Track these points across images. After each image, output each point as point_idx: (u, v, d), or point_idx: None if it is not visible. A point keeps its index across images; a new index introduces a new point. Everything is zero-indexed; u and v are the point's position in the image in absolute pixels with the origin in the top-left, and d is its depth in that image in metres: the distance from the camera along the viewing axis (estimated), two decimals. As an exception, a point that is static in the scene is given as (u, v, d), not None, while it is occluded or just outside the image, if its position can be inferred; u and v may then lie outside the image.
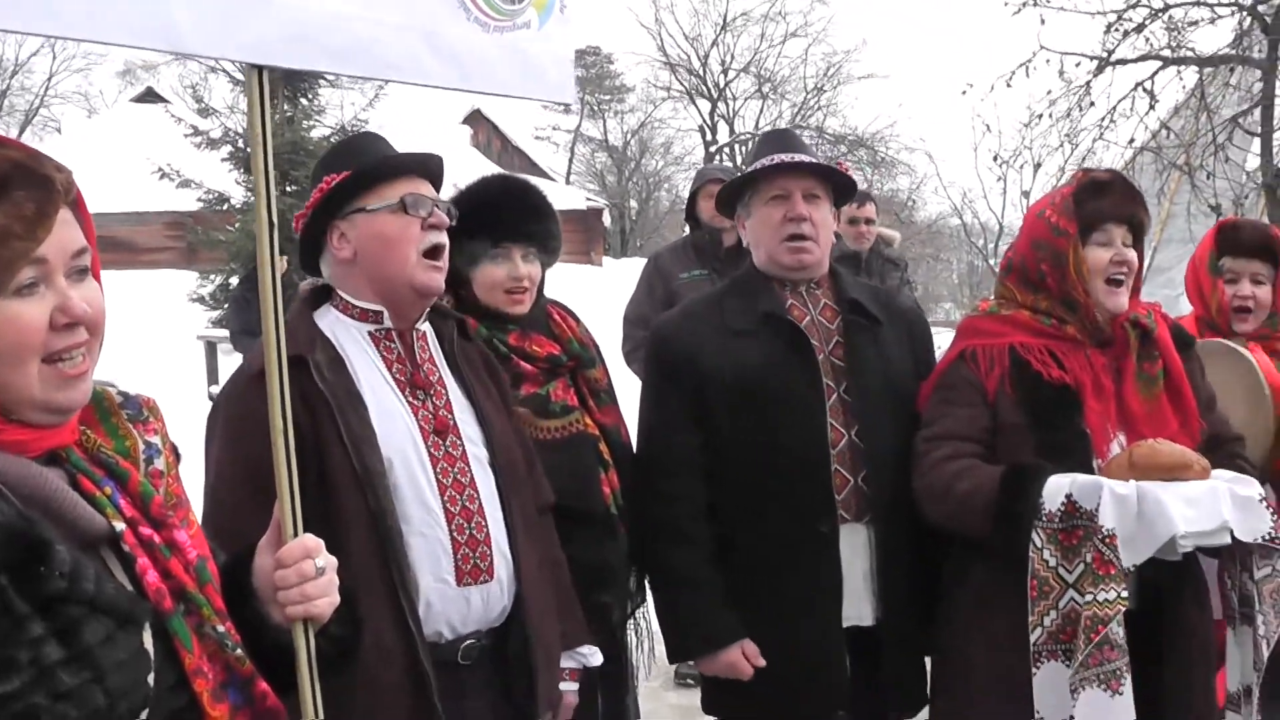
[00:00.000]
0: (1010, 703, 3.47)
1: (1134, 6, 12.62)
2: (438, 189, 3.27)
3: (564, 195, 36.60)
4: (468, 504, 3.07)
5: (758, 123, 43.45)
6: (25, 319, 1.82)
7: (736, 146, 41.16)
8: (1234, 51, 12.79)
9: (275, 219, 2.26)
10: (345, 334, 3.13)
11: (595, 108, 51.98)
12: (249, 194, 20.13)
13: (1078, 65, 12.86)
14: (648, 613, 4.15)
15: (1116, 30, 12.67)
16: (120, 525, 1.92)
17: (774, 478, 3.75)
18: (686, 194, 8.18)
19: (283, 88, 19.59)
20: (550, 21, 2.72)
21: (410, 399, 3.11)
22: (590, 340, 4.00)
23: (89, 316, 1.89)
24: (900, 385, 3.88)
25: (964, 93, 13.70)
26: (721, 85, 44.97)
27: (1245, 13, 12.48)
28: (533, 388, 3.76)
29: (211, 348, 17.12)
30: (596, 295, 15.58)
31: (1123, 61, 12.84)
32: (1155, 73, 12.82)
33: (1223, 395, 3.96)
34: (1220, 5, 12.59)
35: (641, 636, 4.23)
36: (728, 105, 45.44)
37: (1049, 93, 13.10)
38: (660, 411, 3.91)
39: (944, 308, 31.95)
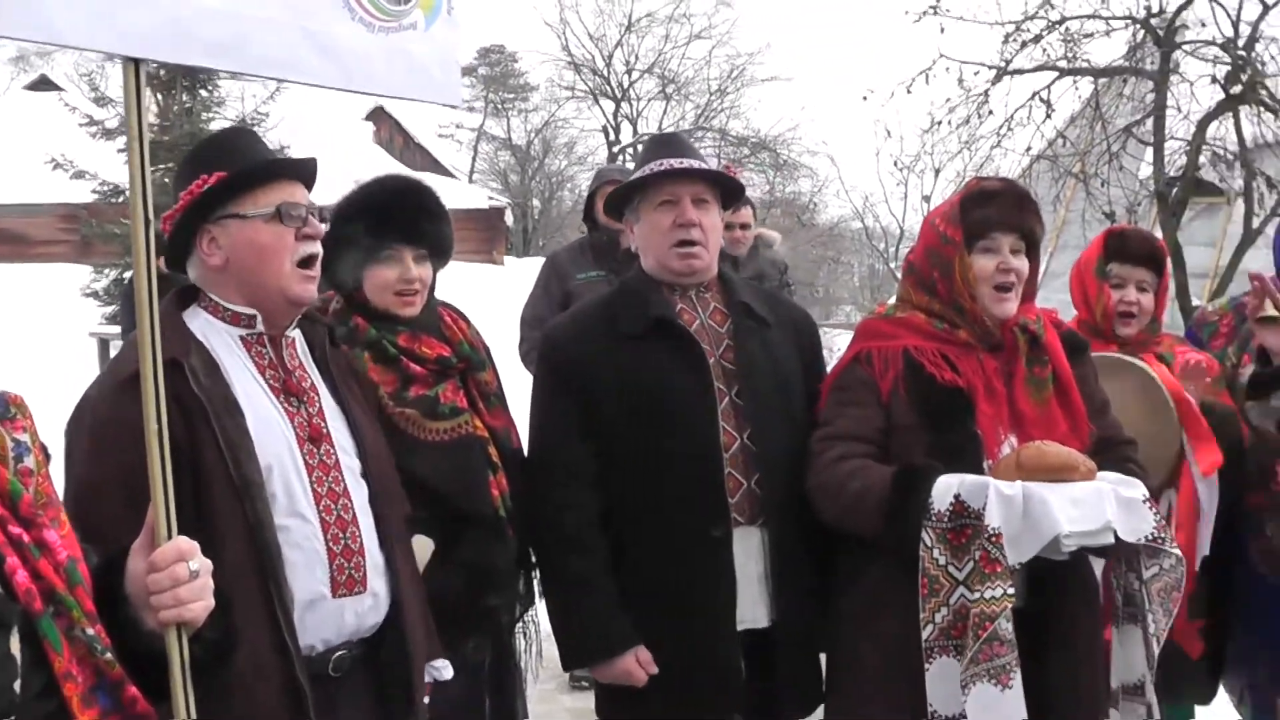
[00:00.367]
0: (903, 699, 3.51)
1: (1031, 18, 12.77)
2: (310, 190, 3.17)
3: (466, 194, 36.45)
4: (342, 514, 3.00)
5: (661, 124, 43.55)
6: None
7: (639, 147, 40.97)
8: (1128, 63, 13.00)
9: (152, 215, 2.21)
10: (217, 338, 3.02)
11: (499, 106, 51.80)
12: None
13: (976, 74, 12.99)
14: (537, 615, 4.14)
15: (1014, 41, 12.82)
16: None
17: (666, 483, 3.75)
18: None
19: (181, 79, 19.29)
20: (437, 23, 2.69)
21: (285, 406, 3.02)
22: (481, 342, 3.97)
23: None
24: (791, 387, 3.89)
25: (865, 98, 13.81)
26: (625, 86, 45.08)
27: (1139, 26, 12.68)
28: (422, 389, 3.73)
29: (104, 345, 16.78)
30: (498, 295, 15.57)
31: (1020, 71, 13.00)
32: (1052, 83, 13.00)
33: (1123, 409, 4.02)
34: (1115, 19, 12.78)
35: (530, 639, 4.20)
36: (631, 106, 45.56)
37: (948, 100, 13.24)
38: (551, 419, 3.89)
39: (845, 310, 32.19)
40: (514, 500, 3.84)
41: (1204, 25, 12.49)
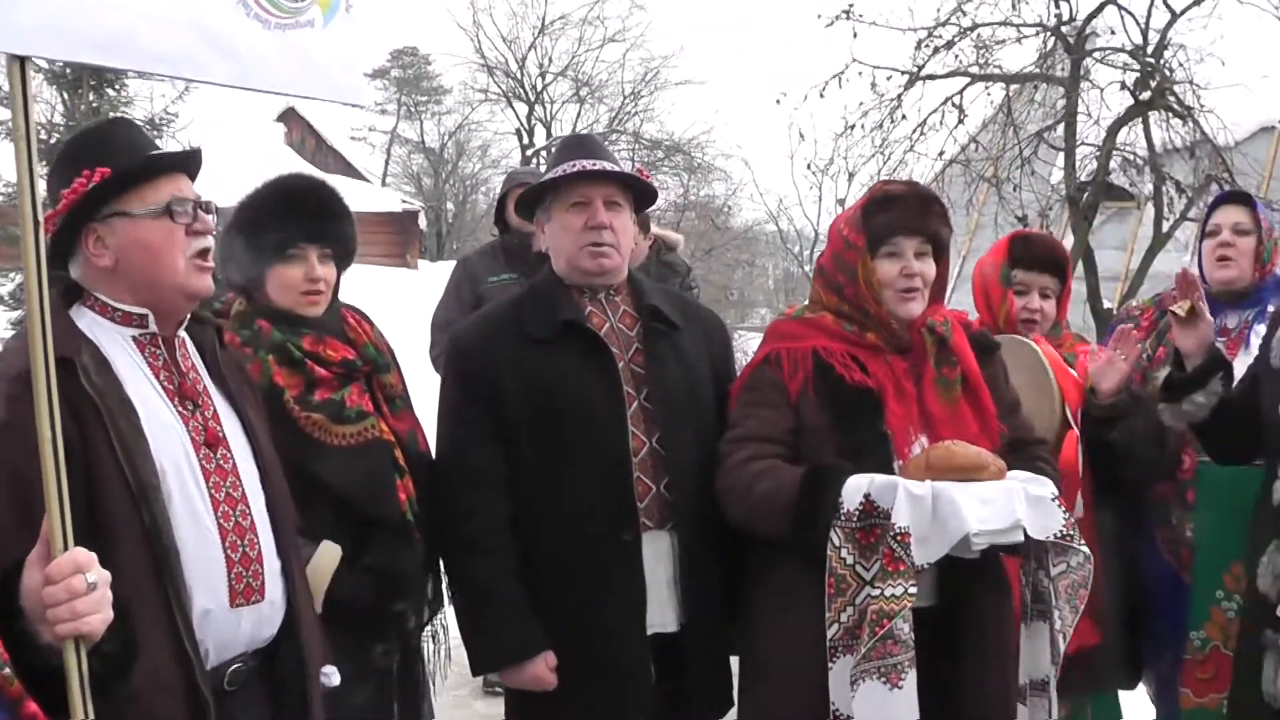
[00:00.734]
0: (809, 699, 3.51)
1: (943, 24, 12.88)
2: (194, 180, 3.02)
3: (380, 197, 36.29)
4: (240, 520, 2.88)
5: (575, 126, 43.38)
6: None
7: (553, 150, 40.73)
8: (1039, 70, 13.16)
9: (41, 217, 2.16)
10: (107, 337, 2.86)
11: (412, 109, 51.51)
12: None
13: (889, 79, 13.08)
14: (445, 620, 4.10)
15: (927, 47, 12.93)
16: None
17: (575, 487, 3.73)
18: (500, 198, 8.07)
19: (88, 78, 18.99)
20: (335, 20, 2.63)
21: (180, 409, 2.89)
22: (385, 345, 3.92)
23: None
24: (701, 391, 3.89)
25: (779, 102, 13.85)
26: (539, 88, 44.92)
27: (1049, 33, 12.84)
28: (327, 393, 3.68)
29: (10, 349, 16.50)
30: (412, 298, 15.47)
31: (933, 77, 13.10)
32: (964, 88, 13.12)
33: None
34: (1026, 26, 12.94)
35: (438, 644, 4.17)
36: (545, 109, 45.37)
37: (862, 104, 13.30)
38: (459, 423, 3.85)
39: (760, 314, 32.29)
40: (422, 504, 3.80)
41: (1114, 33, 12.73)
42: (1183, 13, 12.13)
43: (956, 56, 13.07)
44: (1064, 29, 12.71)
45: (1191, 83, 12.21)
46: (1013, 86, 13.37)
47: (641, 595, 3.75)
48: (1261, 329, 4.39)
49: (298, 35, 2.55)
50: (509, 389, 3.78)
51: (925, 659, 3.40)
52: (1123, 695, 4.84)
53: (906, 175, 12.72)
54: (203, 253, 2.92)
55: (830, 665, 3.45)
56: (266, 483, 3.01)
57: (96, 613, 2.13)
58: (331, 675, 3.32)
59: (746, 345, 12.37)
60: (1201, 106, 12.24)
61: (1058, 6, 12.62)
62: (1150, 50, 12.28)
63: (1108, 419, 4.35)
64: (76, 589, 2.10)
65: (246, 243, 3.66)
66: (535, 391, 3.76)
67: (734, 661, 3.95)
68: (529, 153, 41.49)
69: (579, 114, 44.10)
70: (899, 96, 13.10)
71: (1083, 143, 12.78)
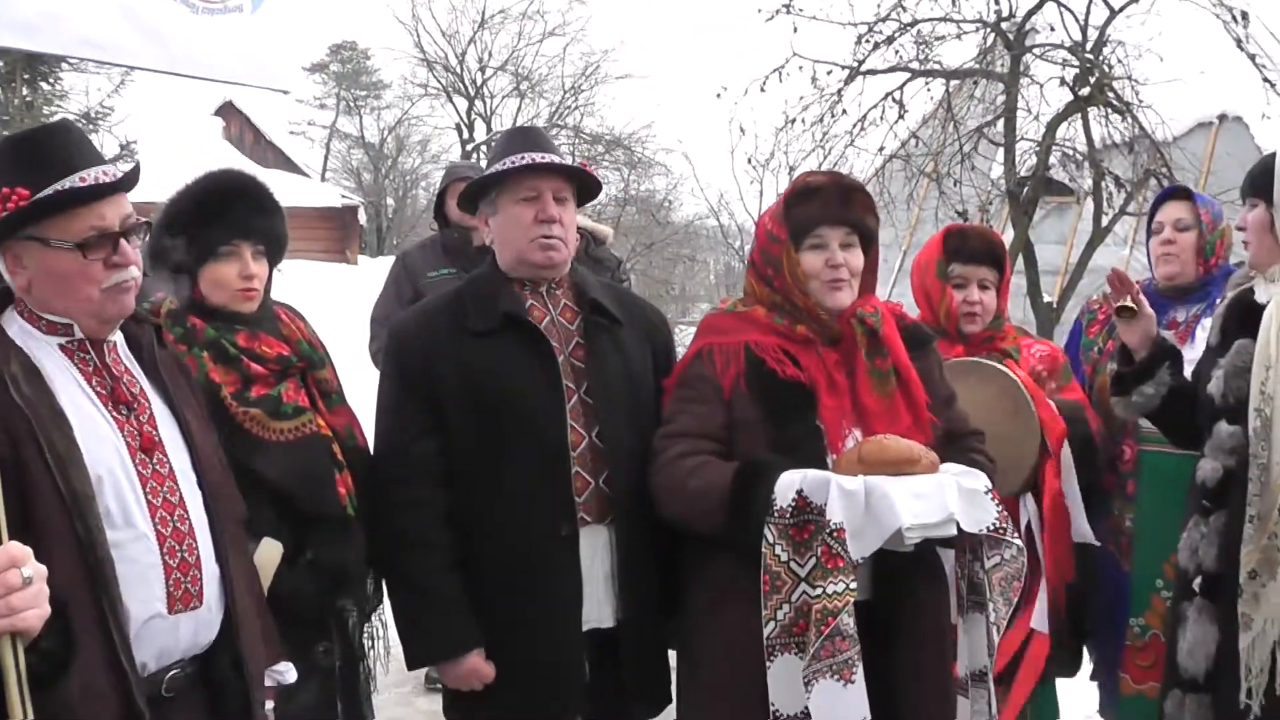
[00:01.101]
0: (746, 697, 3.51)
1: (884, 20, 12.90)
2: (128, 191, 2.92)
3: (319, 192, 36.01)
4: (179, 525, 2.84)
5: (515, 121, 43.19)
6: None
7: (496, 143, 40.51)
8: (979, 66, 13.22)
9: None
10: (37, 345, 2.81)
11: (351, 104, 51.15)
12: None
13: (830, 74, 13.08)
14: (384, 615, 4.07)
15: (867, 42, 12.94)
16: None
17: (514, 481, 3.71)
18: (440, 192, 8.01)
19: (21, 71, 18.73)
20: (264, 6, 2.60)
21: (114, 415, 2.84)
22: (318, 341, 3.90)
23: None
24: (641, 386, 3.88)
25: (719, 96, 13.83)
26: (479, 83, 44.70)
27: (989, 29, 12.89)
28: (264, 389, 3.65)
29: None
30: (352, 294, 15.37)
31: (873, 72, 13.12)
32: (904, 84, 13.13)
33: (986, 411, 4.07)
34: (966, 22, 12.98)
35: (378, 640, 4.13)
36: (485, 103, 45.11)
37: (802, 99, 13.29)
38: (397, 417, 3.83)
39: (701, 308, 32.32)
40: (360, 499, 3.78)
41: (1053, 29, 12.79)
42: (1121, 9, 12.20)
43: (897, 52, 13.11)
44: (1004, 25, 12.76)
45: (1130, 78, 12.28)
46: (953, 82, 13.40)
47: (578, 590, 3.74)
48: (1208, 322, 4.41)
49: (225, 20, 2.51)
50: (448, 381, 3.75)
51: (863, 652, 3.39)
52: (1061, 684, 4.87)
53: (848, 170, 12.75)
54: (121, 282, 2.85)
55: (769, 664, 3.45)
56: (204, 484, 2.97)
57: (33, 608, 2.10)
58: (285, 673, 3.30)
59: (687, 340, 12.35)
60: (1140, 102, 12.32)
61: (998, 3, 12.67)
62: (1089, 46, 12.34)
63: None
64: (12, 583, 2.07)
65: (176, 241, 3.62)
66: (474, 384, 3.74)
67: (673, 657, 3.94)
68: (469, 147, 41.27)
69: (519, 108, 43.93)
70: (839, 91, 13.11)
71: (1022, 138, 12.85)
